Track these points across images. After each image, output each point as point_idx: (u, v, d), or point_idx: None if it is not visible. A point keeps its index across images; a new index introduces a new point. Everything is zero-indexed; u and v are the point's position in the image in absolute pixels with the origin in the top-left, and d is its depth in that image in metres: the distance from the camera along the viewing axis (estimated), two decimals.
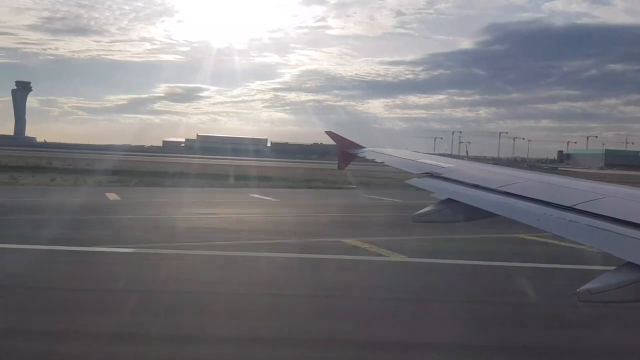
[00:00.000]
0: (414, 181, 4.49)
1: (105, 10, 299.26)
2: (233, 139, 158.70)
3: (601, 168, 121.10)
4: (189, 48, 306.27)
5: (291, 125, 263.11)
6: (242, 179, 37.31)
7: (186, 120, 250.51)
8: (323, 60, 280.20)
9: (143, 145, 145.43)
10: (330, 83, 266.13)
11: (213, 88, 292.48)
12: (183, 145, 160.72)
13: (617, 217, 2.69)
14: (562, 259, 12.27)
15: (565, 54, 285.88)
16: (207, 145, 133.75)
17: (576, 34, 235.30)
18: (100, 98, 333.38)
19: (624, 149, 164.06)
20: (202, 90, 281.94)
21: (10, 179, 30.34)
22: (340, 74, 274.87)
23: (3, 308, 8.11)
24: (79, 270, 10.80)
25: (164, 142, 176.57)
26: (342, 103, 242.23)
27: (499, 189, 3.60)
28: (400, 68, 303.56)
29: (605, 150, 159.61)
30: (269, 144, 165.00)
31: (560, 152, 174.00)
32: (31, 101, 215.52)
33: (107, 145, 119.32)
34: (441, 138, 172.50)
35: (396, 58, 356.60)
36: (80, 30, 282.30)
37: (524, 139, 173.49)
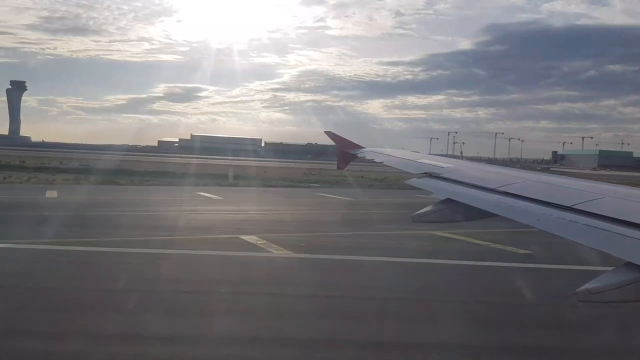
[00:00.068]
0: (413, 181, 4.51)
1: (104, 10, 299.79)
2: (227, 139, 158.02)
3: (594, 169, 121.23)
4: (188, 48, 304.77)
5: (290, 126, 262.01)
6: (203, 177, 36.08)
7: (185, 120, 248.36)
8: (322, 61, 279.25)
9: (137, 145, 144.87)
10: (329, 83, 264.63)
11: (212, 88, 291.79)
12: (177, 145, 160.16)
13: (616, 217, 2.70)
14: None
15: (564, 54, 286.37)
16: (201, 145, 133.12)
17: (575, 34, 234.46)
18: (99, 98, 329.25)
19: (619, 149, 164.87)
20: (201, 90, 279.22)
21: None
22: (339, 74, 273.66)
23: None
24: None
25: (159, 142, 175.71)
26: (341, 103, 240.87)
27: (498, 189, 3.62)
28: (399, 68, 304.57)
29: (599, 150, 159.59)
30: (263, 144, 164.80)
31: (554, 152, 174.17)
32: (30, 101, 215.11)
33: (104, 145, 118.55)
34: (437, 138, 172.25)
35: (395, 58, 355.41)
36: (79, 30, 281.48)
37: (519, 139, 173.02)
